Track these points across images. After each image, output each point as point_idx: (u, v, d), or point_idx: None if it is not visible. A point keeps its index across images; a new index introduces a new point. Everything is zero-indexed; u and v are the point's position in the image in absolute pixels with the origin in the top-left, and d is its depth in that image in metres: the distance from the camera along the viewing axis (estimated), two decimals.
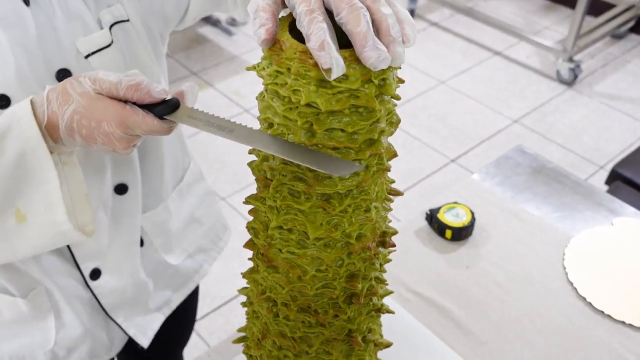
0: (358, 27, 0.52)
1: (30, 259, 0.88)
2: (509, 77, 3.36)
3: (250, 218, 0.72)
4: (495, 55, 3.54)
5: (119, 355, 1.14)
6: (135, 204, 0.95)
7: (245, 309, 0.85)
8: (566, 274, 1.15)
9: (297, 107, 0.58)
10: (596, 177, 2.72)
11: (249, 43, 3.66)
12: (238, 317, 2.18)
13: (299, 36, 0.61)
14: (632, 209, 1.30)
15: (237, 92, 3.26)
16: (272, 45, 0.58)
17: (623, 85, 3.30)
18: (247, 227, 0.73)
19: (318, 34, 0.52)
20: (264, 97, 0.62)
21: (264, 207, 0.67)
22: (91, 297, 0.98)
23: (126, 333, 1.05)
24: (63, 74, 0.77)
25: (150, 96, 0.63)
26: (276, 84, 0.58)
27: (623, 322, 1.07)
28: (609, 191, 1.84)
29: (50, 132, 0.66)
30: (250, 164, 0.68)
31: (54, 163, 0.67)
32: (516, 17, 3.85)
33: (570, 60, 3.22)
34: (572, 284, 1.13)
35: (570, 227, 1.26)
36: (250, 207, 0.71)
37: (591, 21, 3.42)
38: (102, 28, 0.79)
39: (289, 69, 0.57)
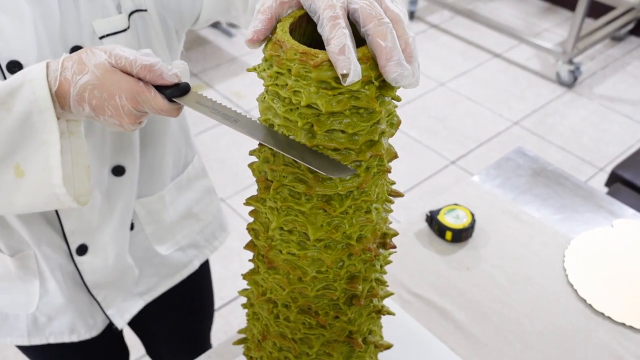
0: (384, 42, 0.54)
1: (21, 222, 0.90)
2: (509, 79, 3.37)
3: (250, 219, 0.72)
4: (495, 57, 3.54)
5: (113, 336, 1.17)
6: (130, 188, 0.96)
7: (246, 310, 0.85)
8: (566, 275, 1.15)
9: (298, 108, 0.58)
10: (596, 179, 2.73)
11: None
12: (238, 318, 2.18)
13: (299, 38, 0.61)
14: (631, 211, 1.30)
15: (237, 93, 3.27)
16: (273, 45, 0.58)
17: (623, 87, 3.30)
18: (247, 229, 0.73)
19: (340, 38, 0.53)
20: (264, 98, 0.62)
21: (264, 208, 0.67)
22: (75, 272, 1.00)
23: (104, 312, 1.06)
24: (76, 51, 0.78)
25: (162, 78, 0.65)
26: (277, 85, 0.58)
27: (623, 324, 1.07)
28: (609, 193, 1.84)
29: (59, 99, 0.67)
30: (250, 165, 0.68)
31: (59, 129, 0.68)
32: (516, 19, 3.85)
33: (570, 62, 3.22)
34: (572, 285, 1.13)
35: (571, 229, 1.26)
36: (251, 208, 0.71)
37: (591, 23, 3.42)
38: (120, 13, 0.81)
39: (289, 70, 0.57)
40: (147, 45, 0.86)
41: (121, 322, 1.09)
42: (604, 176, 2.67)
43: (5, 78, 0.75)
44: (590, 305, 1.10)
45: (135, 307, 1.11)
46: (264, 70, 0.60)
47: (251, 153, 0.67)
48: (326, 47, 0.54)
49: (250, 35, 0.58)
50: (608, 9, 3.58)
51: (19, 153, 0.69)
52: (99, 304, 1.05)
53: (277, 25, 0.59)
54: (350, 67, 0.52)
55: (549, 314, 1.09)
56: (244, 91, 3.28)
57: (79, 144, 0.72)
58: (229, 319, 2.18)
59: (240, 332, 0.89)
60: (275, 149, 0.59)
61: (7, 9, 0.73)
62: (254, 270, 0.77)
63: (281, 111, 0.59)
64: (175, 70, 0.66)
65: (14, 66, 0.75)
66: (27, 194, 0.71)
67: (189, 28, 0.95)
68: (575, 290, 1.12)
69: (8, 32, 0.74)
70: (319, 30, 0.55)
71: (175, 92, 0.66)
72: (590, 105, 3.18)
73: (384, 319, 0.96)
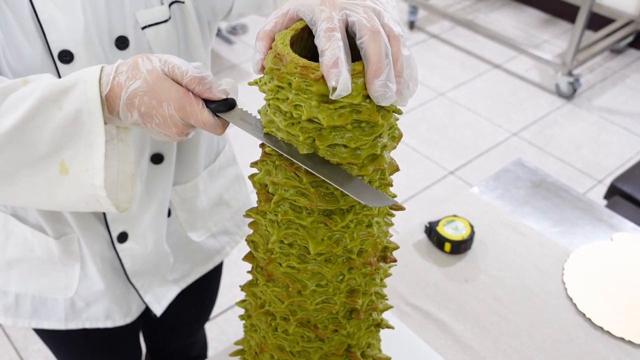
0: (376, 57, 0.54)
1: None
2: (508, 90, 3.37)
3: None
4: (494, 68, 3.54)
5: (137, 326, 1.20)
6: (167, 175, 0.99)
7: (243, 321, 0.84)
8: (565, 289, 1.15)
9: (299, 122, 0.57)
10: (594, 192, 2.72)
11: (248, 52, 3.66)
12: (234, 327, 2.17)
13: (300, 51, 0.61)
14: (631, 224, 1.29)
15: None
16: (273, 59, 0.58)
17: (622, 99, 3.31)
18: (246, 240, 0.72)
19: (334, 51, 0.53)
20: (266, 111, 0.61)
21: (264, 220, 0.66)
22: (114, 258, 1.02)
23: (142, 299, 1.09)
24: (121, 41, 0.82)
25: (211, 92, 0.66)
26: (278, 99, 0.58)
27: (622, 339, 1.06)
28: (608, 206, 1.84)
29: (109, 103, 0.68)
30: (251, 177, 0.67)
31: (108, 133, 0.69)
32: (516, 30, 3.86)
33: (570, 74, 3.23)
34: (571, 299, 1.13)
35: (570, 242, 1.25)
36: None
37: (590, 35, 3.43)
38: (162, 4, 0.84)
39: (290, 84, 0.56)
40: (184, 36, 0.88)
41: (159, 309, 1.11)
42: (603, 188, 2.66)
43: (56, 66, 0.78)
44: (589, 319, 1.09)
45: (171, 293, 1.13)
46: (265, 83, 0.59)
47: (252, 165, 0.67)
48: (320, 59, 0.54)
49: (254, 69, 0.59)
50: (608, 21, 3.59)
51: (66, 151, 0.70)
52: (136, 291, 1.07)
53: (278, 37, 0.59)
54: (340, 80, 0.52)
55: (547, 328, 1.08)
56: (244, 99, 3.26)
57: (127, 152, 0.73)
58: (224, 328, 2.17)
59: (237, 343, 0.88)
60: (314, 173, 0.58)
61: (59, 1, 0.76)
62: (253, 282, 0.76)
63: (283, 125, 0.58)
64: (224, 86, 0.67)
65: (65, 55, 0.78)
66: (69, 193, 0.72)
67: (222, 20, 0.97)
68: (575, 304, 1.12)
69: (60, 22, 0.77)
70: (316, 41, 0.55)
71: (221, 107, 0.66)
72: (589, 117, 3.18)
73: (382, 331, 0.95)
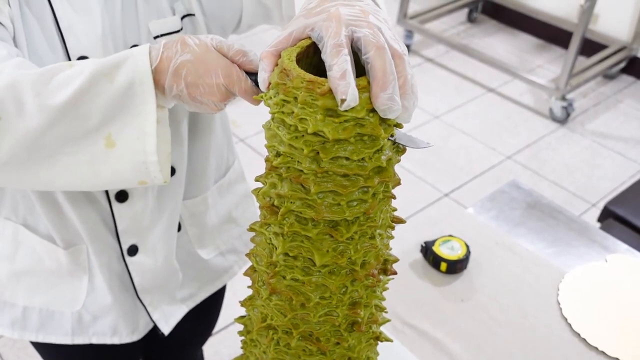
0: (382, 72, 0.56)
1: (78, 217, 0.93)
2: (502, 114, 3.40)
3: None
4: (489, 91, 3.58)
5: (140, 346, 1.18)
6: (178, 188, 0.99)
7: (241, 338, 0.84)
8: (560, 309, 1.15)
9: (303, 135, 0.58)
10: (588, 215, 2.74)
11: None
12: (228, 347, 2.16)
13: (306, 68, 0.62)
14: (624, 246, 1.31)
15: (232, 121, 3.28)
16: (279, 74, 0.59)
17: (615, 124, 3.35)
18: (248, 255, 0.73)
19: (341, 64, 0.55)
20: (270, 126, 0.62)
21: (268, 234, 0.67)
22: (124, 272, 1.02)
23: (150, 317, 1.08)
24: None
25: (252, 64, 0.70)
26: (283, 112, 0.59)
27: (617, 359, 1.07)
28: (602, 228, 1.85)
29: (156, 76, 0.70)
30: (255, 191, 0.68)
31: (155, 99, 0.71)
32: (510, 55, 3.91)
33: (563, 98, 3.26)
34: (566, 319, 1.13)
35: (564, 263, 1.26)
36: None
37: (584, 61, 3.48)
38: (174, 15, 0.87)
39: (295, 98, 0.58)
40: None
41: (167, 328, 1.10)
42: (596, 212, 2.68)
43: None
44: (584, 340, 1.10)
45: (179, 312, 1.12)
46: (270, 97, 0.61)
47: (257, 179, 0.68)
48: (328, 73, 0.56)
49: (262, 86, 0.62)
50: (601, 47, 3.65)
51: (114, 124, 0.71)
52: (145, 308, 1.07)
53: (284, 54, 0.60)
54: (349, 91, 0.54)
55: (542, 347, 1.09)
56: (240, 120, 3.29)
57: (164, 131, 0.75)
58: (218, 348, 2.16)
59: None
60: None
61: (78, 8, 0.80)
62: (253, 296, 0.76)
63: (286, 138, 0.59)
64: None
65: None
66: (117, 165, 0.73)
67: (232, 33, 0.99)
68: (570, 324, 1.13)
69: (79, 29, 0.80)
70: (323, 57, 0.57)
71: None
72: (582, 141, 3.22)
73: (379, 350, 0.95)
